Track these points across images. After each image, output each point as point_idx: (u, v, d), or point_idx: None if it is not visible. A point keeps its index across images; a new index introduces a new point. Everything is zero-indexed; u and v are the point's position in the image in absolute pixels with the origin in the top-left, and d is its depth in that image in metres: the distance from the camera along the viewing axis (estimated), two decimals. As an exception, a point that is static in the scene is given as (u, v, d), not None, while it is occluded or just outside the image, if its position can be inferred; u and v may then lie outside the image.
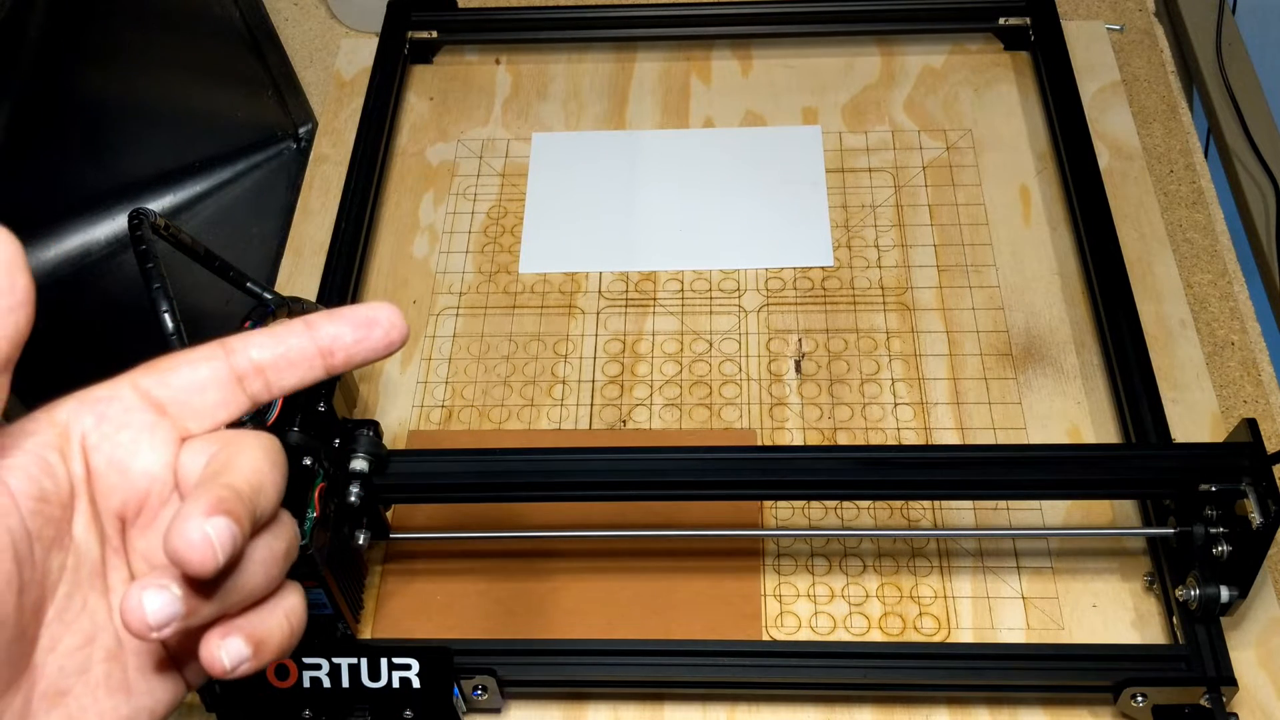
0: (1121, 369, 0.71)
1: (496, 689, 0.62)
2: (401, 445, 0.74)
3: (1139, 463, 0.63)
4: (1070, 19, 0.93)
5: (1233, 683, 0.59)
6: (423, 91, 0.93)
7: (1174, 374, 0.74)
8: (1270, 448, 0.64)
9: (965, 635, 0.65)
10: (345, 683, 0.59)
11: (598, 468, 0.63)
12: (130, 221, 0.55)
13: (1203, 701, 0.60)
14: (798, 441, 0.73)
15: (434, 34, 0.93)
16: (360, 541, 0.63)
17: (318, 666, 0.59)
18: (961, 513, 0.70)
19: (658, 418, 0.75)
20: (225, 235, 0.84)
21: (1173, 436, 0.69)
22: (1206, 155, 0.93)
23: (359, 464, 0.60)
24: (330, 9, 1.00)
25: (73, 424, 0.33)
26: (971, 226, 0.82)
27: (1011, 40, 0.92)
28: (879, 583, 0.67)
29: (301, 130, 0.92)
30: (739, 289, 0.80)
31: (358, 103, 0.89)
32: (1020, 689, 0.63)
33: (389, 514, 0.68)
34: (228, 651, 0.32)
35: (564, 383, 0.77)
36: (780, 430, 0.73)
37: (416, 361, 0.78)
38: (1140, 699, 0.60)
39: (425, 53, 0.95)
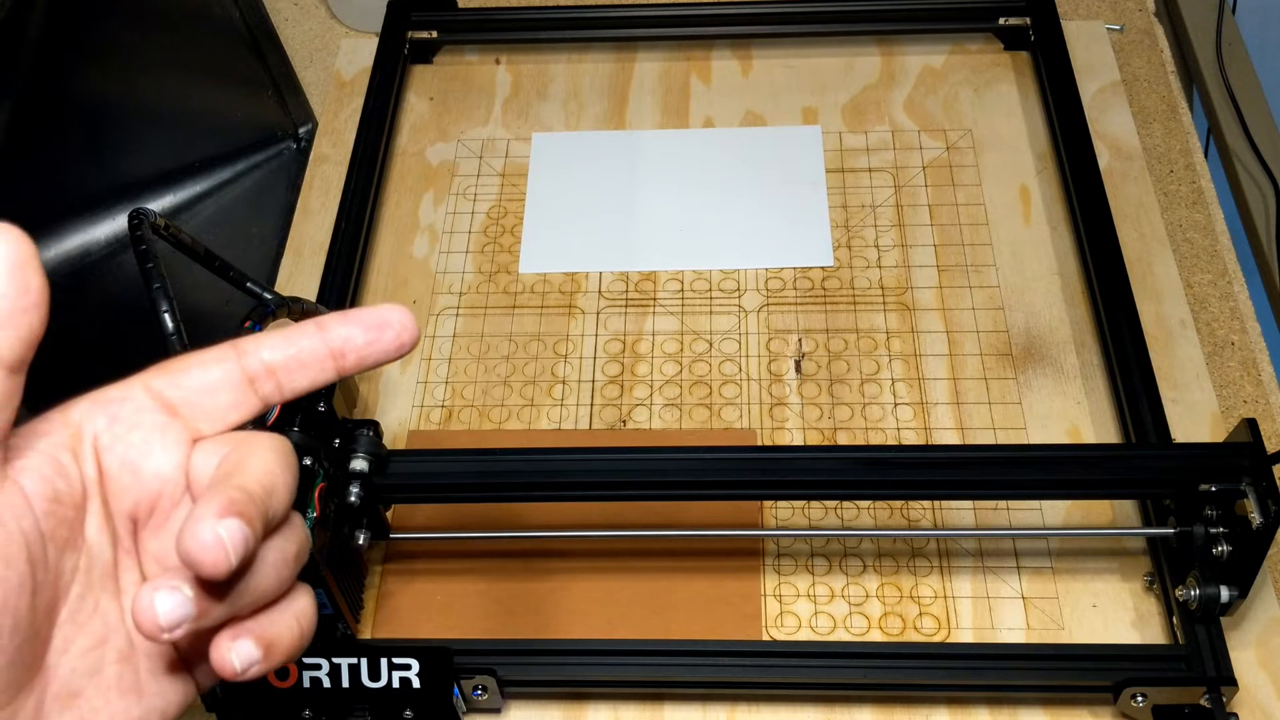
0: (1121, 369, 0.71)
1: (496, 689, 0.62)
2: (401, 445, 0.74)
3: (1139, 463, 0.63)
4: (1070, 19, 0.93)
5: (1233, 683, 0.59)
6: (423, 91, 0.93)
7: (1174, 374, 0.74)
8: (1270, 448, 0.64)
9: (965, 635, 0.65)
10: (345, 683, 0.59)
11: (598, 468, 0.63)
12: (130, 221, 0.55)
13: (1203, 701, 0.60)
14: (798, 441, 0.73)
15: (434, 34, 0.93)
16: (360, 541, 0.63)
17: (318, 666, 0.59)
18: (961, 513, 0.70)
19: (658, 418, 0.75)
20: (225, 235, 0.84)
21: (1173, 436, 0.69)
22: (1206, 155, 0.93)
23: (359, 464, 0.60)
24: (330, 9, 1.00)
25: (85, 425, 0.33)
26: (971, 226, 0.82)
27: (1011, 40, 0.92)
28: (879, 583, 0.67)
29: (301, 130, 0.92)
30: (739, 289, 0.80)
31: (358, 103, 0.89)
32: (1020, 689, 0.63)
33: (389, 514, 0.68)
34: (238, 653, 0.32)
35: (564, 383, 0.77)
36: (780, 430, 0.73)
37: (416, 361, 0.78)
38: (1140, 699, 0.60)
39: (425, 53, 0.95)
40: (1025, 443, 0.72)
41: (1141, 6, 0.96)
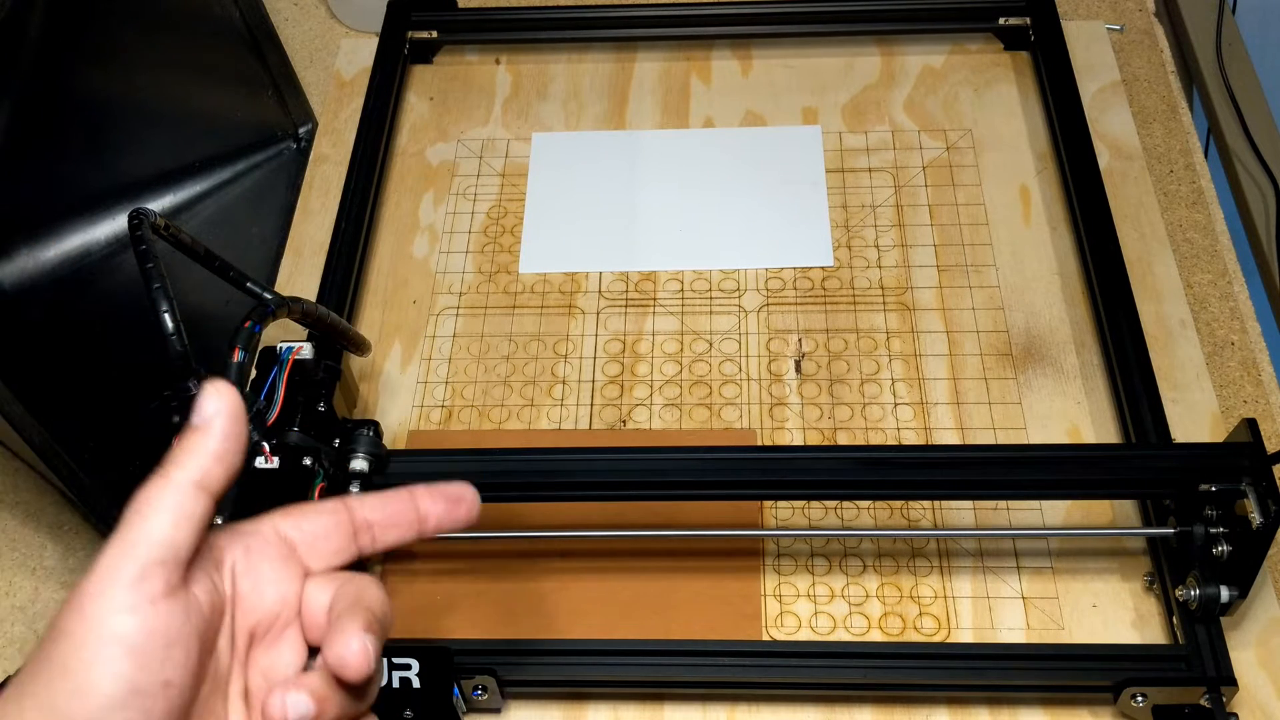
0: (1121, 369, 0.71)
1: (496, 689, 0.62)
2: (401, 445, 0.74)
3: (1139, 463, 0.63)
4: (1070, 19, 0.93)
5: (1233, 683, 0.60)
6: (423, 91, 0.93)
7: (1174, 374, 0.74)
8: (1270, 448, 0.64)
9: (965, 635, 0.65)
10: (345, 683, 0.59)
11: (598, 468, 0.63)
12: (130, 221, 0.55)
13: (1203, 701, 0.60)
14: (798, 441, 0.73)
15: (434, 34, 0.93)
16: (360, 541, 0.63)
17: (318, 666, 0.59)
18: (961, 513, 0.70)
19: (658, 418, 0.75)
20: (225, 235, 0.84)
21: (1173, 436, 0.69)
22: (1206, 155, 0.93)
23: (359, 464, 0.61)
24: (330, 9, 1.00)
25: (227, 553, 0.40)
26: (971, 226, 0.82)
27: (1011, 40, 0.92)
28: (879, 583, 0.67)
29: (301, 130, 0.92)
30: (739, 289, 0.80)
31: (358, 103, 0.89)
32: (1020, 689, 0.63)
33: (389, 514, 0.68)
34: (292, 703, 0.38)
35: (564, 383, 0.77)
36: (780, 430, 0.73)
37: (416, 361, 0.78)
38: (1140, 699, 0.60)
39: (425, 53, 0.95)
40: (1025, 443, 0.72)
41: (1141, 6, 0.96)
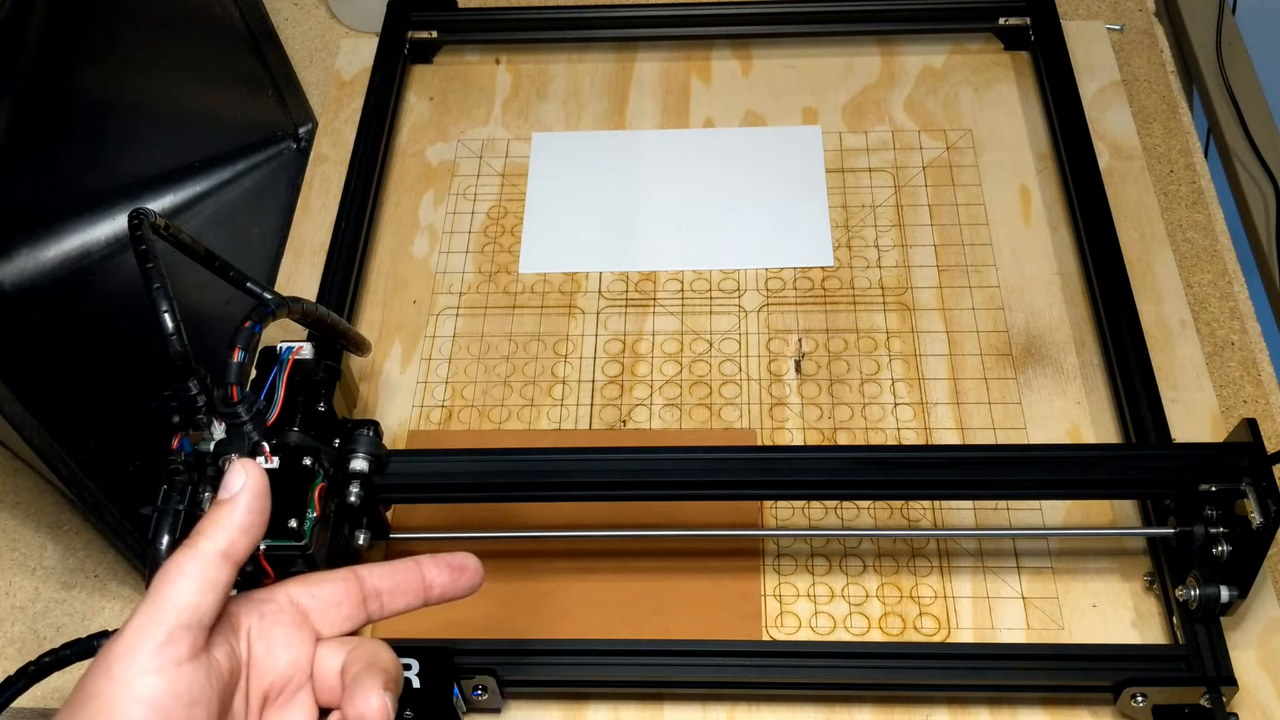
0: (1121, 369, 0.71)
1: (496, 689, 0.62)
2: (401, 445, 0.74)
3: (1139, 463, 0.63)
4: (1070, 19, 0.93)
5: (1233, 683, 0.60)
6: (423, 91, 0.93)
7: (1174, 374, 0.74)
8: (1270, 448, 0.64)
9: (965, 635, 0.65)
10: (345, 683, 0.59)
11: (598, 468, 0.63)
12: (130, 221, 0.55)
13: (1203, 701, 0.60)
14: (798, 441, 0.73)
15: (434, 34, 0.93)
16: (360, 541, 0.63)
17: (318, 666, 0.59)
18: (961, 513, 0.70)
19: (658, 418, 0.75)
20: (225, 235, 0.84)
21: (1173, 436, 0.69)
22: (1206, 155, 0.93)
23: (359, 464, 0.61)
24: (330, 9, 1.00)
25: (242, 618, 0.42)
26: (971, 226, 0.82)
27: (1011, 40, 0.92)
28: (879, 583, 0.67)
29: (301, 130, 0.92)
30: (739, 289, 0.80)
31: (358, 103, 0.89)
32: (1020, 689, 0.63)
33: (389, 514, 0.68)
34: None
35: (564, 383, 0.77)
36: (780, 430, 0.73)
37: (416, 361, 0.78)
38: (1140, 699, 0.60)
39: (425, 53, 0.95)
40: (1025, 443, 0.72)
41: (1141, 6, 0.96)
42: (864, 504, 0.70)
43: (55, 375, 0.63)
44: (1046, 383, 0.75)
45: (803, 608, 0.67)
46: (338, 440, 0.61)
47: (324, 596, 0.44)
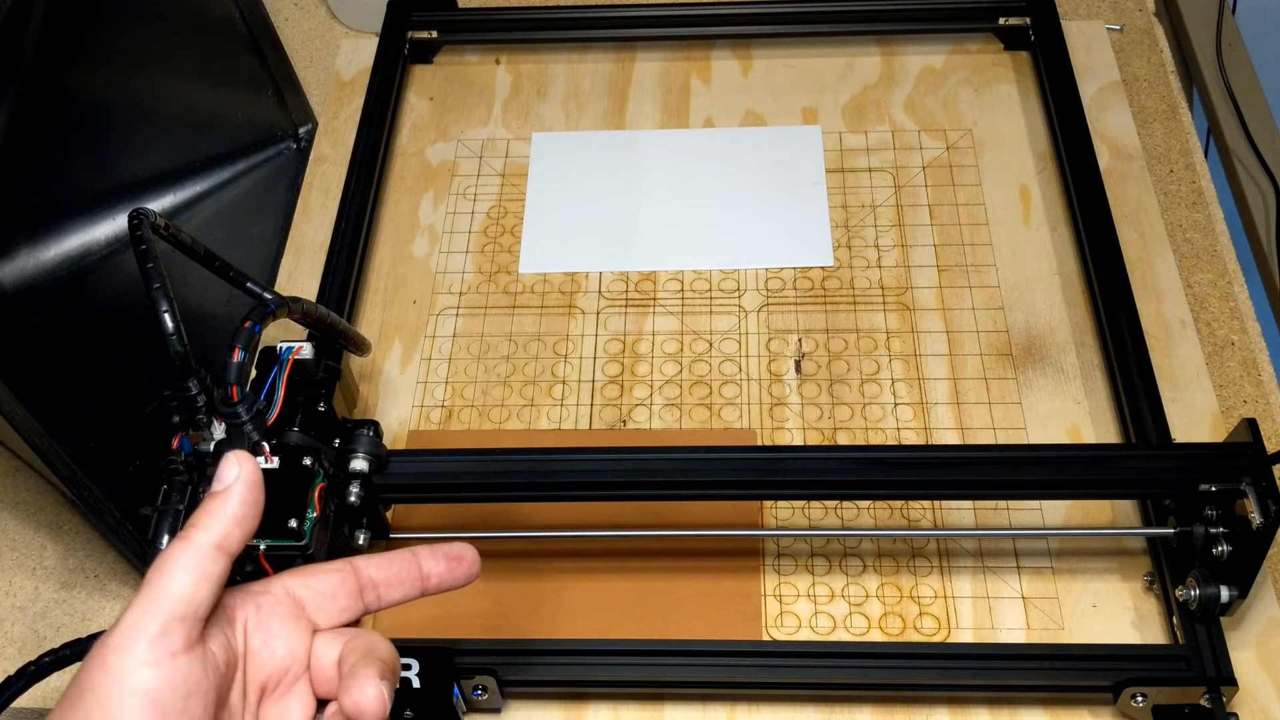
0: (1121, 369, 0.71)
1: (496, 689, 0.62)
2: (401, 445, 0.74)
3: (1139, 463, 0.63)
4: (1070, 19, 0.93)
5: (1233, 683, 0.60)
6: (423, 91, 0.93)
7: (1174, 374, 0.74)
8: (1270, 448, 0.64)
9: (965, 635, 0.65)
10: (345, 683, 0.59)
11: (598, 468, 0.63)
12: (130, 221, 0.55)
13: (1203, 701, 0.60)
14: (798, 441, 0.73)
15: (434, 34, 0.93)
16: (360, 541, 0.63)
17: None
18: (961, 513, 0.70)
19: (658, 418, 0.75)
20: (225, 235, 0.84)
21: (1173, 436, 0.69)
22: (1206, 155, 0.93)
23: (359, 464, 0.61)
24: (330, 9, 1.00)
25: (238, 611, 0.42)
26: (971, 226, 0.82)
27: (1011, 40, 0.92)
28: (879, 583, 0.67)
29: (301, 130, 0.92)
30: (739, 289, 0.80)
31: (358, 103, 0.89)
32: (1020, 689, 0.63)
33: (389, 514, 0.68)
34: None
35: (564, 383, 0.77)
36: (780, 430, 0.73)
37: (416, 361, 0.78)
38: (1140, 699, 0.60)
39: (425, 53, 0.95)
40: (1025, 443, 0.72)
41: (1141, 6, 0.96)
42: (864, 504, 0.70)
43: (55, 375, 0.63)
44: (1046, 383, 0.75)
45: (803, 608, 0.67)
46: (338, 440, 0.61)
47: (320, 588, 0.44)
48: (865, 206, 0.84)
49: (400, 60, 0.92)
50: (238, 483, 0.42)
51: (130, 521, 0.66)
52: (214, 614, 0.41)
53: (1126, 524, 0.69)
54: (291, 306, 0.60)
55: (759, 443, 0.73)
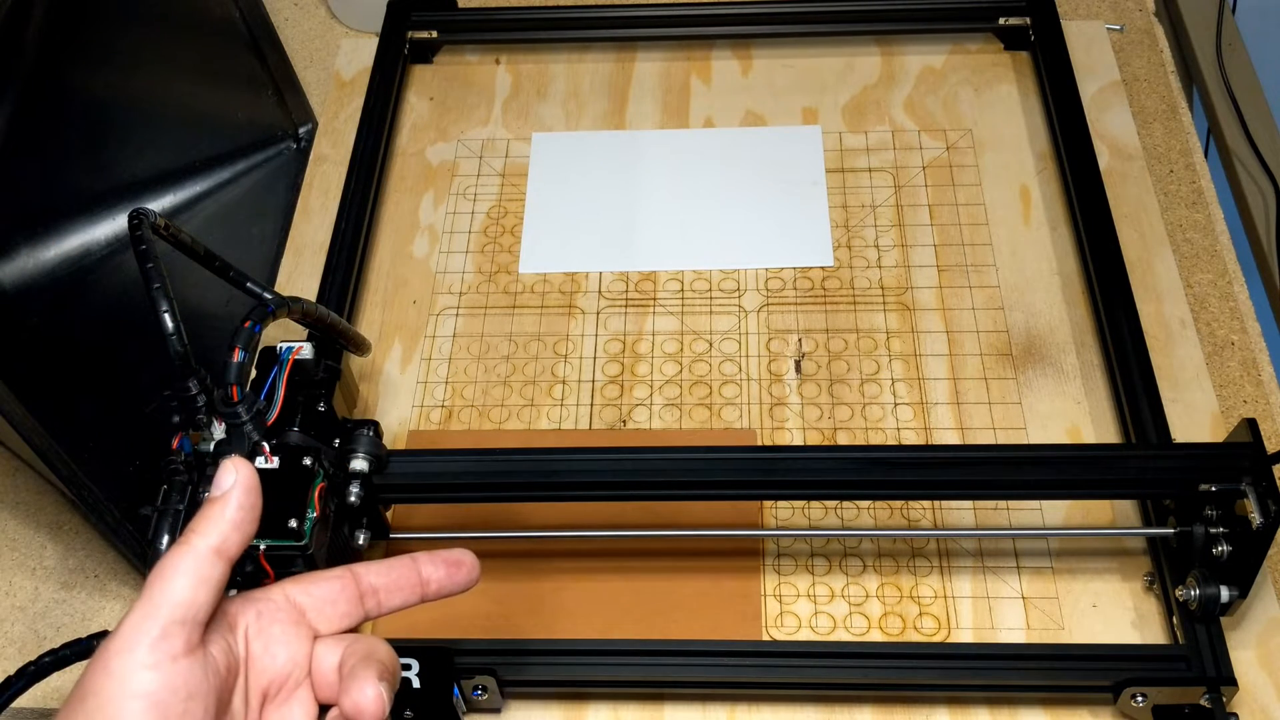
0: (1121, 369, 0.71)
1: (496, 689, 0.62)
2: (401, 445, 0.74)
3: (1139, 463, 0.63)
4: (1070, 19, 0.93)
5: (1233, 683, 0.60)
6: (423, 91, 0.93)
7: (1174, 374, 0.74)
8: (1270, 448, 0.64)
9: (965, 635, 0.65)
10: (345, 683, 0.59)
11: (598, 468, 0.63)
12: (130, 221, 0.55)
13: (1203, 701, 0.60)
14: (798, 441, 0.73)
15: (434, 34, 0.93)
16: (360, 541, 0.63)
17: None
18: (961, 513, 0.70)
19: (658, 418, 0.75)
20: (225, 235, 0.84)
21: (1173, 436, 0.69)
22: (1206, 155, 0.93)
23: (359, 464, 0.60)
24: (330, 9, 1.00)
25: (239, 617, 0.43)
26: (971, 226, 0.82)
27: (1011, 40, 0.92)
28: (879, 583, 0.67)
29: (301, 130, 0.92)
30: (739, 289, 0.80)
31: (358, 103, 0.89)
32: (1020, 689, 0.63)
33: (389, 514, 0.68)
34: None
35: (564, 383, 0.77)
36: (780, 430, 0.73)
37: (416, 361, 0.78)
38: (1140, 699, 0.60)
39: (425, 53, 0.95)
40: (1025, 443, 0.72)
41: (1141, 6, 0.96)
42: (864, 504, 0.70)
43: (55, 375, 0.63)
44: (1046, 383, 0.75)
45: (803, 608, 0.67)
46: (338, 440, 0.61)
47: (320, 594, 0.45)
48: (865, 206, 0.84)
49: (400, 60, 0.92)
50: (235, 488, 0.42)
51: (130, 521, 0.66)
52: (215, 620, 0.41)
53: (1126, 524, 0.69)
54: (291, 306, 0.60)
55: (759, 443, 0.73)
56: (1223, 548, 0.60)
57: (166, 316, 0.53)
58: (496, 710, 0.64)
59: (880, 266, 0.80)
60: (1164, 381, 0.71)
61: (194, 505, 0.56)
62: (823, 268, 0.81)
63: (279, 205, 0.88)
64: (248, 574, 0.55)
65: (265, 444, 0.57)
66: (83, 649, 0.57)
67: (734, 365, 0.77)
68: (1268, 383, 0.75)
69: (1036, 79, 0.89)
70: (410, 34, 0.93)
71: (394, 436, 0.75)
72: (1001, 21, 0.91)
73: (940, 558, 0.68)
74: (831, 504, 0.70)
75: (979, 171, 0.85)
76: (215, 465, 0.55)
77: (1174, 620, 0.63)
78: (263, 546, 0.55)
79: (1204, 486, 0.60)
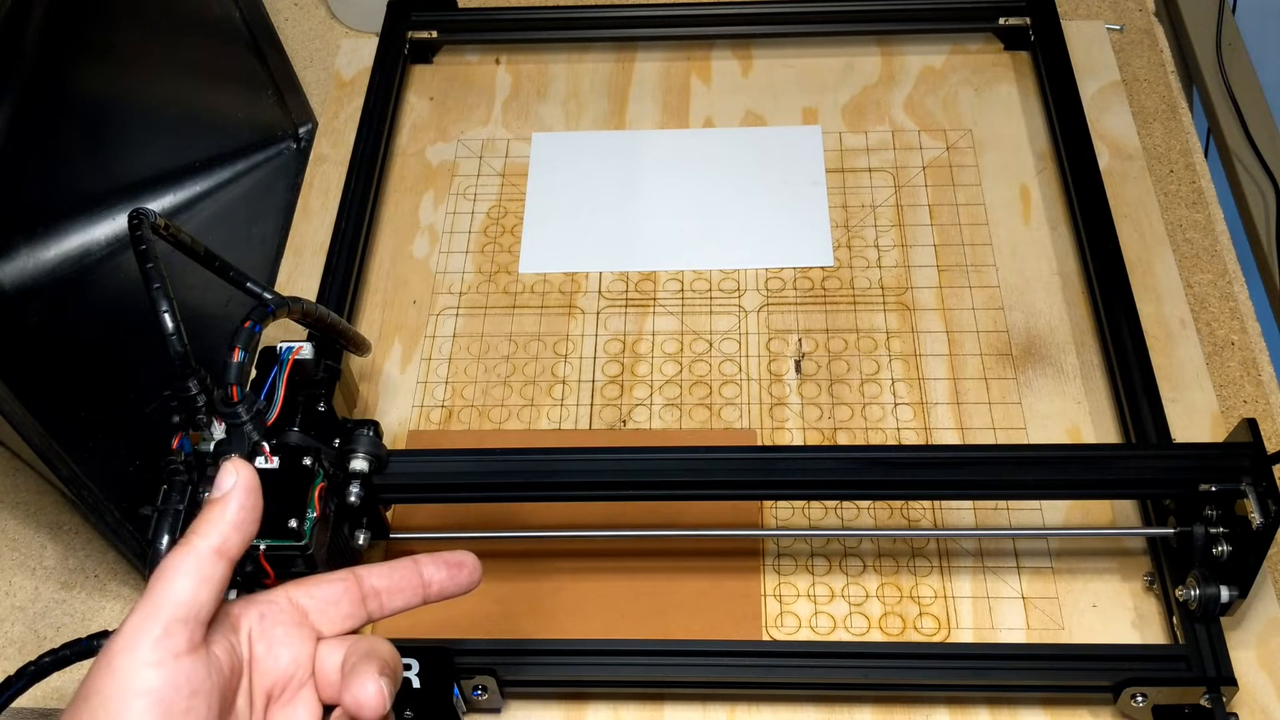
0: (1121, 369, 0.71)
1: (496, 689, 0.62)
2: (401, 445, 0.74)
3: (1139, 463, 0.63)
4: (1070, 19, 0.93)
5: (1233, 683, 0.60)
6: (423, 91, 0.93)
7: (1174, 374, 0.74)
8: (1270, 448, 0.64)
9: (965, 635, 0.65)
10: (345, 683, 0.59)
11: (598, 468, 0.63)
12: (130, 221, 0.55)
13: (1203, 701, 0.60)
14: (798, 441, 0.73)
15: (434, 34, 0.93)
16: (360, 541, 0.63)
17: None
18: (961, 513, 0.70)
19: (658, 418, 0.75)
20: (225, 235, 0.84)
21: (1173, 436, 0.69)
22: (1206, 155, 0.93)
23: (359, 464, 0.61)
24: (330, 9, 1.00)
25: (243, 618, 0.43)
26: (971, 226, 0.82)
27: (1011, 40, 0.92)
28: (879, 583, 0.67)
29: (301, 130, 0.92)
30: (739, 289, 0.80)
31: (358, 103, 0.89)
32: (1020, 689, 0.63)
33: (389, 514, 0.68)
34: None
35: (564, 383, 0.77)
36: (780, 430, 0.73)
37: (416, 361, 0.78)
38: (1140, 699, 0.60)
39: (425, 53, 0.95)
40: (1025, 443, 0.72)
41: (1141, 6, 0.96)
42: (864, 504, 0.70)
43: (55, 375, 0.63)
44: (1046, 383, 0.75)
45: (803, 608, 0.67)
46: (338, 440, 0.61)
47: (323, 596, 0.45)
48: (865, 206, 0.84)
49: (400, 60, 0.92)
50: (235, 489, 0.43)
51: (130, 521, 0.66)
52: (218, 621, 0.42)
53: (1126, 524, 0.69)
54: (291, 306, 0.60)
55: (759, 443, 0.73)
56: (1223, 548, 0.60)
57: (166, 316, 0.53)
58: (496, 710, 0.64)
59: (880, 266, 0.80)
60: (1164, 381, 0.71)
61: (194, 505, 0.56)
62: (823, 268, 0.81)
63: (279, 205, 0.88)
64: (248, 574, 0.55)
65: (265, 444, 0.57)
66: (83, 649, 0.57)
67: (734, 365, 0.77)
68: (1268, 383, 0.75)
69: (1036, 79, 0.89)
70: (410, 34, 0.93)
71: (394, 436, 0.75)
72: (1001, 21, 0.91)
73: (940, 558, 0.68)
74: (831, 504, 0.70)
75: (979, 171, 0.85)
76: (215, 465, 0.55)
77: (1174, 620, 0.63)
78: (263, 546, 0.55)
79: (1204, 486, 0.60)
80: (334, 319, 0.64)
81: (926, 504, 0.70)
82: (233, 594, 0.52)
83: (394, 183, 0.88)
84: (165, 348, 0.54)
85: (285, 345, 0.64)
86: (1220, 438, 0.67)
